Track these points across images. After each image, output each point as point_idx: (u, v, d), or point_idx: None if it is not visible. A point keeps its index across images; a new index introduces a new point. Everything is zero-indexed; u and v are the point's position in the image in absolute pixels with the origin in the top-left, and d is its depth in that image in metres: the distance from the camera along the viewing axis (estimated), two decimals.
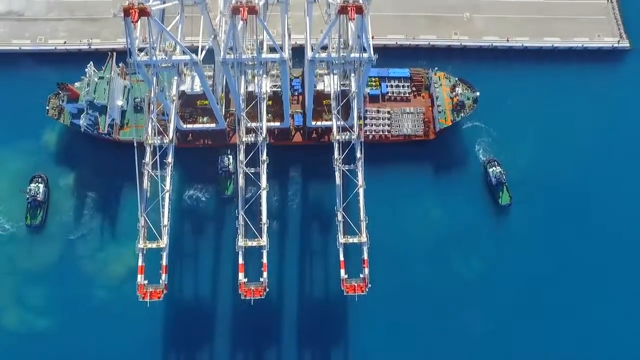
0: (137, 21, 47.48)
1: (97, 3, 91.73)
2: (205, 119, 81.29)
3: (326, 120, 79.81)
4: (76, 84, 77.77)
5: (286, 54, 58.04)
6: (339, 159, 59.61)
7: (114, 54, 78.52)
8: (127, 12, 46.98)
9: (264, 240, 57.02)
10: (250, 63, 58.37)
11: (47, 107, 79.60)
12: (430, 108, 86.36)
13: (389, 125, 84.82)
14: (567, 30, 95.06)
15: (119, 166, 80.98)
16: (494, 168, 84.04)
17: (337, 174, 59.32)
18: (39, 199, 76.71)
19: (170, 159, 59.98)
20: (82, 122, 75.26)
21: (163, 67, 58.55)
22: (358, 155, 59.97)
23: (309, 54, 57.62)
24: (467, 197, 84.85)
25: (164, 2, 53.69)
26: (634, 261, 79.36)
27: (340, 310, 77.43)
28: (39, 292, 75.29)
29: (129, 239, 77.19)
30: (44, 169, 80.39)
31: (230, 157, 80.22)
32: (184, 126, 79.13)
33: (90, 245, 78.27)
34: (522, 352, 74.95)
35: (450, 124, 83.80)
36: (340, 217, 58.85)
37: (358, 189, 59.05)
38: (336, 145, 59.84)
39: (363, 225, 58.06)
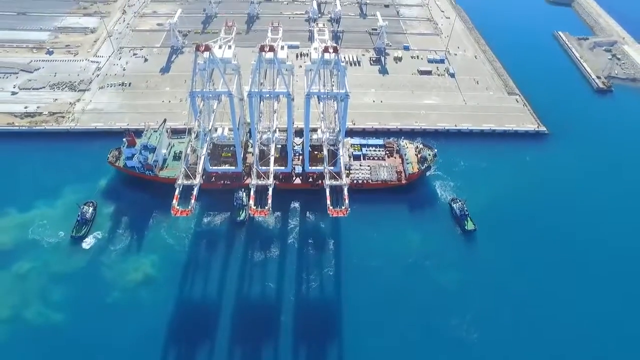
0: (203, 52, 78.26)
1: (156, 104, 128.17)
2: (227, 165, 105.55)
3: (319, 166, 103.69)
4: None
5: (291, 89, 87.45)
6: (326, 139, 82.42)
7: (165, 119, 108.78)
8: (197, 47, 78.36)
9: (270, 181, 75.12)
10: (267, 96, 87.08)
11: (108, 156, 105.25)
12: (401, 164, 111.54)
13: (369, 174, 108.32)
14: (498, 120, 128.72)
15: (152, 202, 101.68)
16: (457, 204, 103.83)
17: (324, 149, 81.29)
18: (87, 216, 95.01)
19: (208, 138, 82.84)
20: (135, 159, 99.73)
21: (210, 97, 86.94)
22: (340, 138, 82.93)
23: (305, 90, 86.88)
24: (438, 226, 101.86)
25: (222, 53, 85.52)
26: (578, 266, 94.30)
27: (334, 316, 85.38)
28: (64, 292, 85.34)
29: (149, 253, 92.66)
30: (95, 199, 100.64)
31: (244, 193, 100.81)
32: (211, 168, 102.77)
33: (118, 257, 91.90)
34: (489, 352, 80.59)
35: (417, 171, 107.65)
36: (326, 172, 77.98)
37: (339, 157, 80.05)
38: (322, 131, 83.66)
39: (344, 175, 76.89)
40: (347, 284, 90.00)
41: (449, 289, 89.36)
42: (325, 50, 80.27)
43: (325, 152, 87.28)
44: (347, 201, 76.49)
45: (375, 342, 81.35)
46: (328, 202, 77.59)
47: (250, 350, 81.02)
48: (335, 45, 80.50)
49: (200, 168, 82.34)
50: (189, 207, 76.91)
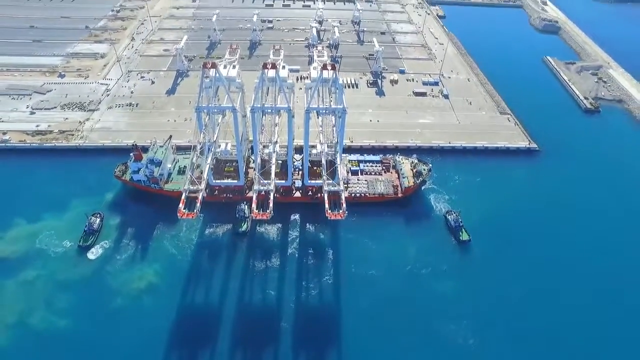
0: (210, 68, 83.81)
1: (161, 123, 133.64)
2: (229, 179, 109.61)
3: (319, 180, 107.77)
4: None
5: (291, 104, 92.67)
6: (323, 150, 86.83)
7: (171, 136, 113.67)
8: (204, 65, 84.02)
9: (272, 186, 78.93)
10: (269, 111, 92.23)
11: (115, 170, 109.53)
12: (398, 178, 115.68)
13: (367, 188, 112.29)
14: (491, 138, 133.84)
15: (157, 213, 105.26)
16: (452, 215, 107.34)
17: (323, 159, 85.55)
18: (94, 227, 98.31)
19: (213, 149, 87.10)
20: (142, 173, 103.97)
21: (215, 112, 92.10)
22: (338, 149, 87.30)
23: (305, 106, 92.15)
24: (433, 237, 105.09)
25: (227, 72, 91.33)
26: (567, 274, 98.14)
27: (333, 323, 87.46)
28: (70, 298, 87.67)
29: (153, 262, 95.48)
30: (102, 211, 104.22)
31: (246, 206, 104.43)
32: (215, 181, 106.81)
33: (123, 265, 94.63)
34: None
35: (413, 185, 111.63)
36: (325, 179, 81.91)
37: (337, 166, 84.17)
38: (321, 143, 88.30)
39: (341, 183, 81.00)
40: (346, 291, 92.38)
41: (445, 296, 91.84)
42: (324, 67, 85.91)
43: (323, 161, 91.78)
44: (344, 205, 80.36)
45: (373, 348, 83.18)
46: (326, 205, 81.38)
47: (252, 356, 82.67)
48: (333, 63, 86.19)
49: (205, 175, 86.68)
50: (195, 211, 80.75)
